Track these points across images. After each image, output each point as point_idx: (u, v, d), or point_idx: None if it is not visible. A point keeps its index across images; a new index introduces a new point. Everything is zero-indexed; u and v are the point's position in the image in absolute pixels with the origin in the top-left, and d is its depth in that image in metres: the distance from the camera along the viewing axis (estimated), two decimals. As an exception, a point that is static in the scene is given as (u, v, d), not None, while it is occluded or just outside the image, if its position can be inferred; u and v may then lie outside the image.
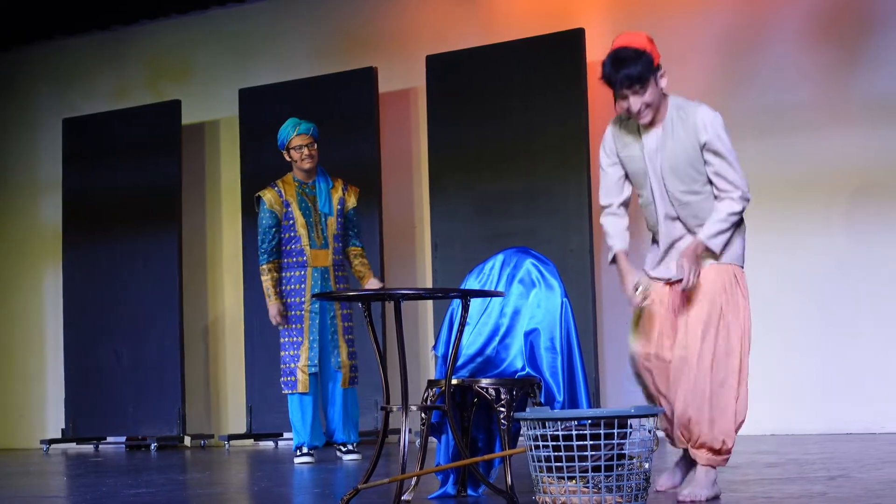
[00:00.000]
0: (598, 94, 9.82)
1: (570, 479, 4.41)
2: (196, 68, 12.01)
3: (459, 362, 5.27)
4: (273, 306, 8.16)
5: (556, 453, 4.41)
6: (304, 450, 8.18)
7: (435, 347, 5.45)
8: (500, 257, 5.46)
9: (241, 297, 11.03)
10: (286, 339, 8.21)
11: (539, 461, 4.47)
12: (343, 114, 10.63)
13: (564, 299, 5.29)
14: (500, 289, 5.34)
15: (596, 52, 9.81)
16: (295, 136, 8.23)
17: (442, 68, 10.25)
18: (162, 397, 11.06)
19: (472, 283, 5.44)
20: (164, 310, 11.14)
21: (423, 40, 10.70)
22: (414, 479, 5.14)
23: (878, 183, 9.04)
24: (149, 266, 11.30)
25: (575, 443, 4.37)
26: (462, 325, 5.04)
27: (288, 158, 8.33)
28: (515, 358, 5.27)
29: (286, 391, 8.19)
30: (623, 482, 4.42)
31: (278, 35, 11.60)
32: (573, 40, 9.69)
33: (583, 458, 4.38)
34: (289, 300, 8.21)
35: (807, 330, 9.19)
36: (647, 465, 4.51)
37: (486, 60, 10.12)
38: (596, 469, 4.38)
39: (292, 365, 8.13)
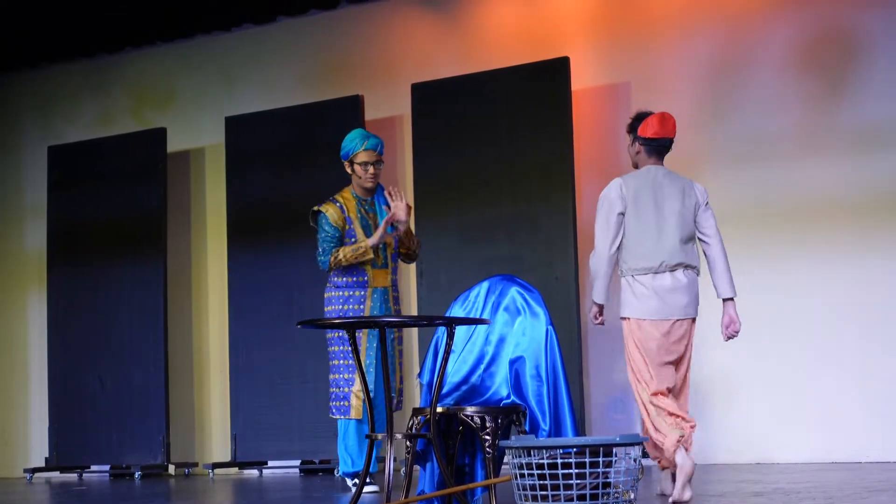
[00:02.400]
0: (582, 121, 9.85)
1: (556, 507, 4.40)
2: (181, 96, 12.01)
3: (444, 390, 5.26)
4: (367, 241, 7.62)
5: (541, 482, 4.40)
6: (357, 476, 7.55)
7: (420, 375, 5.44)
8: (485, 285, 5.45)
9: (227, 325, 11.01)
10: (339, 362, 7.69)
11: (524, 489, 4.46)
12: (329, 142, 10.60)
13: (549, 327, 5.29)
14: (486, 316, 5.33)
15: (581, 81, 9.85)
16: (362, 151, 7.80)
17: (427, 96, 10.27)
18: (146, 425, 11.01)
19: (457, 311, 5.43)
20: (149, 337, 11.11)
21: (409, 68, 10.72)
22: (399, 508, 5.12)
23: (859, 212, 9.06)
24: (134, 293, 11.27)
25: (560, 471, 4.36)
26: (447, 352, 5.04)
27: (349, 171, 7.92)
28: (500, 386, 5.26)
29: (337, 416, 7.63)
30: (608, 511, 4.41)
31: (264, 63, 11.61)
32: (558, 68, 9.71)
33: (568, 487, 4.37)
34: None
35: (789, 359, 9.19)
36: (632, 495, 4.50)
37: (471, 88, 10.14)
38: (581, 497, 4.37)
39: (346, 389, 7.59)
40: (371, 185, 7.85)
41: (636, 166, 6.74)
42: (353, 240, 7.72)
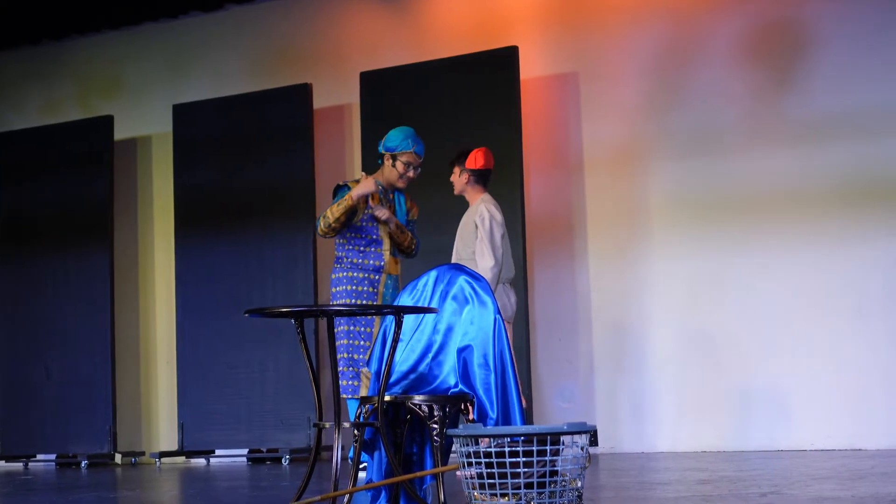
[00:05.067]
0: (531, 110, 9.87)
1: (503, 495, 4.41)
2: (128, 83, 11.94)
3: (392, 379, 5.25)
4: (357, 188, 7.60)
5: (488, 470, 4.40)
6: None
7: (368, 364, 5.43)
8: (433, 274, 5.44)
9: (174, 314, 10.96)
10: (349, 342, 7.49)
11: (471, 478, 4.46)
12: (278, 130, 10.60)
13: (497, 316, 5.28)
14: (434, 305, 5.32)
15: (529, 70, 9.87)
16: (412, 152, 7.76)
17: (376, 85, 10.25)
18: (93, 414, 10.96)
19: (405, 300, 5.42)
20: (96, 326, 11.05)
21: (358, 57, 10.71)
22: (346, 497, 5.12)
23: (807, 203, 9.12)
24: (80, 282, 11.21)
25: (507, 459, 4.36)
26: (395, 341, 5.03)
27: (389, 164, 7.82)
28: (448, 374, 5.25)
29: (347, 396, 7.44)
30: (556, 499, 4.42)
31: (212, 51, 11.56)
32: (507, 58, 9.73)
33: (515, 475, 4.38)
34: (359, 301, 7.58)
35: (735, 348, 9.25)
36: (579, 483, 4.51)
37: (420, 77, 10.14)
38: (528, 486, 4.38)
39: (356, 368, 7.45)
40: (403, 185, 7.87)
41: (461, 193, 8.15)
42: (373, 224, 7.70)
